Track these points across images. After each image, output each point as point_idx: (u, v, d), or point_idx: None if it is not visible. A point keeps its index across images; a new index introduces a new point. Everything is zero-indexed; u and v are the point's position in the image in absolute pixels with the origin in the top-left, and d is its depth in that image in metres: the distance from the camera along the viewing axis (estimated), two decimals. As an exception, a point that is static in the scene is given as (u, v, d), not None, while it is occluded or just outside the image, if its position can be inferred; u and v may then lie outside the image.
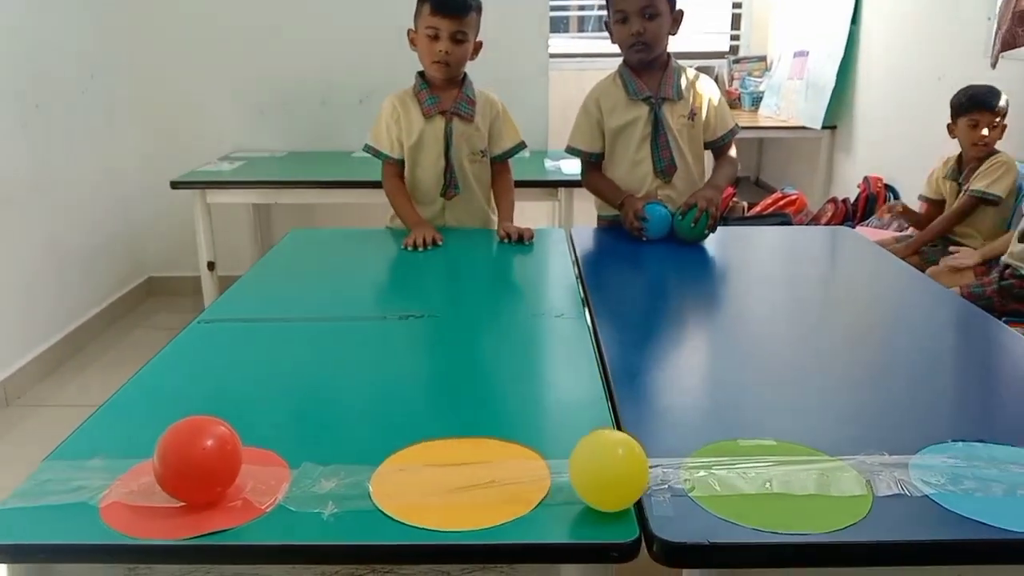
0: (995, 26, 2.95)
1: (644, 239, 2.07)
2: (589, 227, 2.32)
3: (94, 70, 3.47)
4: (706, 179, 2.22)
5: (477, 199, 2.30)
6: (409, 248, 2.06)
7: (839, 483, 0.98)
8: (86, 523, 0.93)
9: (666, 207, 2.08)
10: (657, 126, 2.16)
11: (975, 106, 2.86)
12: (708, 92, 2.22)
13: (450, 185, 2.23)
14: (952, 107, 2.93)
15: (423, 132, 2.20)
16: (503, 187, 2.33)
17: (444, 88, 2.20)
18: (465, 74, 2.23)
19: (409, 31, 2.18)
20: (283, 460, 1.04)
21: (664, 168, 2.17)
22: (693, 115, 2.19)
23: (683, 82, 2.18)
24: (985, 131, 2.84)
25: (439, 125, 2.20)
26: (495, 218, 2.33)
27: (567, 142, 2.30)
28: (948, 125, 2.96)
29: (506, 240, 2.12)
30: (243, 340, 1.51)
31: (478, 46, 2.19)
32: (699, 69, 2.35)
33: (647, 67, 2.17)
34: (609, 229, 2.26)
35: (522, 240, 2.12)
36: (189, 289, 3.68)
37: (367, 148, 2.27)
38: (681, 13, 2.13)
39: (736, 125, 2.28)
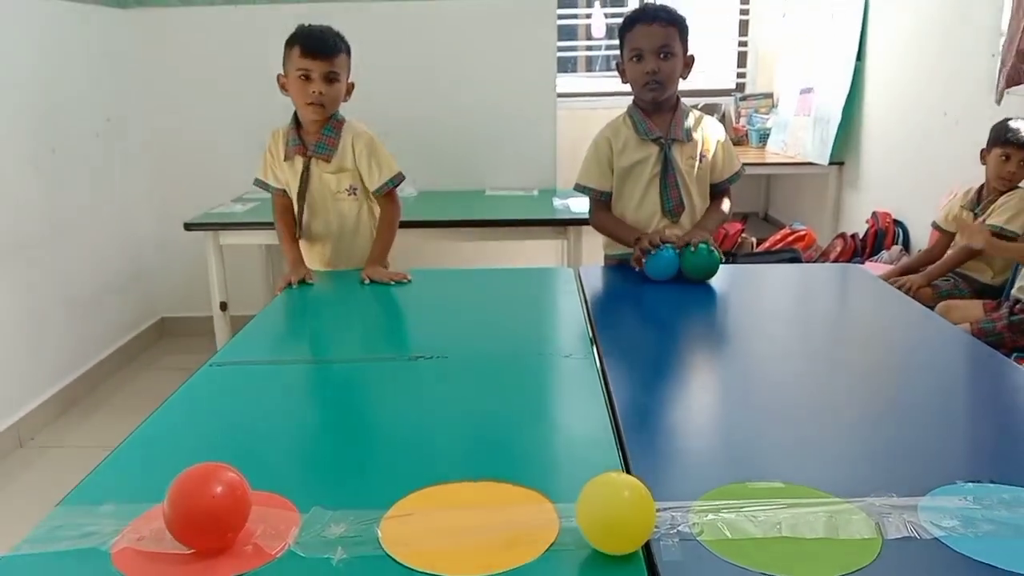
0: (999, 63, 2.97)
1: (636, 269, 2.07)
2: (598, 266, 2.34)
3: (109, 113, 3.54)
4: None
5: (355, 238, 2.32)
6: (279, 291, 2.12)
7: (848, 526, 0.97)
8: (97, 569, 0.94)
9: (673, 250, 2.06)
10: (666, 166, 2.18)
11: (1009, 141, 2.84)
12: (716, 134, 2.25)
13: (300, 227, 2.29)
14: (991, 133, 2.90)
15: (285, 170, 2.27)
16: (381, 223, 2.34)
17: (312, 130, 2.24)
18: (333, 117, 2.25)
19: (279, 76, 2.21)
20: (293, 505, 1.05)
21: (672, 208, 2.19)
22: (702, 157, 2.21)
23: (692, 123, 2.21)
24: (1014, 167, 2.83)
25: (297, 166, 2.25)
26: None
27: (576, 180, 2.31)
28: (982, 151, 2.95)
29: (366, 282, 2.13)
30: (254, 383, 1.52)
31: (350, 87, 2.23)
32: (705, 106, 2.39)
33: (657, 108, 2.19)
34: (617, 269, 2.27)
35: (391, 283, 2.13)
36: (202, 329, 3.71)
37: (256, 182, 2.35)
38: (692, 58, 2.16)
39: (741, 168, 2.30)
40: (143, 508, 1.04)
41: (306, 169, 2.24)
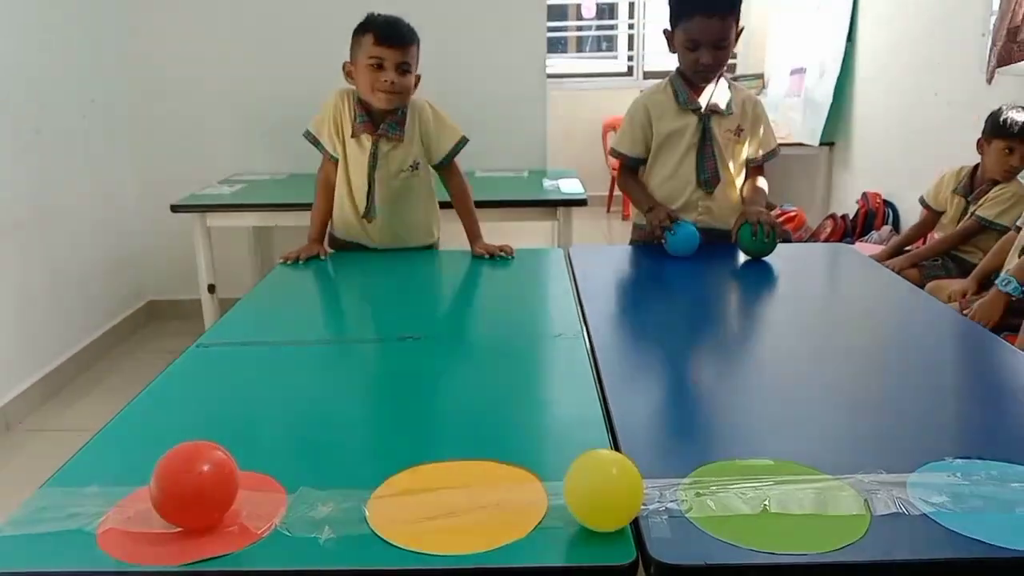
0: (989, 42, 2.96)
1: (662, 243, 2.10)
2: (587, 246, 2.33)
3: (94, 95, 3.50)
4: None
5: (410, 214, 2.28)
6: (288, 262, 2.13)
7: (837, 503, 0.97)
8: (82, 550, 0.93)
9: (694, 226, 2.09)
10: (704, 137, 2.17)
11: (1014, 134, 2.77)
12: (757, 109, 2.24)
13: (370, 208, 2.23)
14: (989, 124, 2.85)
15: (351, 145, 2.20)
16: (459, 198, 2.31)
17: (378, 114, 2.18)
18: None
19: (345, 64, 2.16)
20: (280, 485, 1.04)
21: (707, 179, 2.18)
22: (740, 131, 2.20)
23: (734, 97, 2.20)
24: (1017, 161, 2.80)
25: (365, 145, 2.19)
26: (436, 236, 2.34)
27: (612, 144, 2.33)
28: (979, 140, 2.89)
29: (486, 256, 2.14)
30: (241, 364, 1.51)
31: (417, 79, 2.18)
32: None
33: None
34: (608, 249, 2.27)
35: (503, 256, 2.13)
36: (190, 312, 3.69)
37: (306, 134, 2.26)
38: (742, 28, 2.13)
39: (778, 147, 2.30)
40: (128, 490, 1.03)
41: (375, 150, 2.19)
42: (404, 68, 2.10)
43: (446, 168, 2.29)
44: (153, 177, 3.75)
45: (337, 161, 2.23)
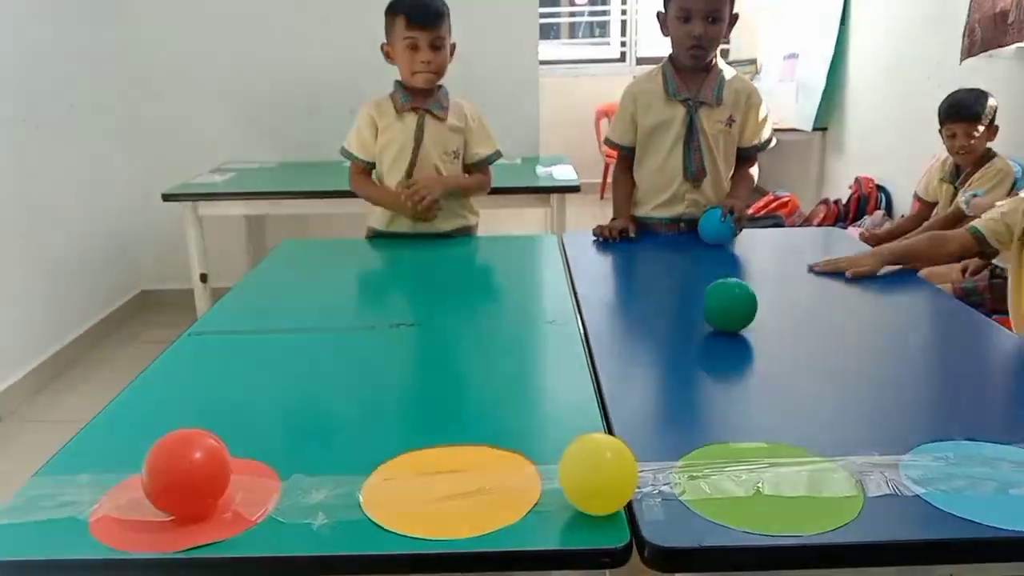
0: (964, 24, 2.95)
1: (598, 239, 2.13)
2: (581, 233, 2.32)
3: (84, 84, 3.47)
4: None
5: (451, 199, 2.29)
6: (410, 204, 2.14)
7: (830, 484, 0.98)
8: (75, 538, 0.93)
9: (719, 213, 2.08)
10: (691, 129, 2.14)
11: (948, 117, 2.86)
12: (751, 98, 2.20)
13: (411, 174, 2.23)
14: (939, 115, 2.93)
15: (395, 128, 2.22)
16: (474, 177, 2.35)
17: (421, 93, 2.22)
18: (441, 85, 2.25)
19: (383, 45, 2.19)
20: (273, 471, 1.04)
21: (694, 173, 2.16)
22: (732, 121, 2.17)
23: (726, 87, 2.16)
24: (962, 141, 2.83)
25: (411, 122, 2.21)
26: (473, 221, 2.37)
27: (605, 134, 2.33)
28: (939, 130, 2.95)
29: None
30: (233, 352, 1.51)
31: (452, 48, 2.21)
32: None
33: (693, 68, 2.14)
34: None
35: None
36: (182, 301, 3.67)
37: (342, 151, 2.30)
38: (736, 16, 2.12)
39: (772, 137, 2.27)
40: (121, 478, 1.03)
41: (421, 123, 2.21)
42: (438, 44, 2.14)
43: (477, 170, 2.34)
44: (144, 166, 3.73)
45: (372, 166, 2.27)
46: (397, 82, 2.24)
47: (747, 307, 1.49)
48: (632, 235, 2.14)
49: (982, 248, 1.85)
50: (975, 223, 1.91)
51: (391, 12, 2.14)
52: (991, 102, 2.80)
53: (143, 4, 3.63)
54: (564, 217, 3.17)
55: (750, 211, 4.24)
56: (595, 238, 2.15)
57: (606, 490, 0.91)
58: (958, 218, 2.90)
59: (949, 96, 2.89)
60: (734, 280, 1.52)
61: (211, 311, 1.73)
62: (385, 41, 2.18)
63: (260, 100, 3.72)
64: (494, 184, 3.20)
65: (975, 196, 2.68)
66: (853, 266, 1.82)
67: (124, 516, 0.96)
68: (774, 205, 4.21)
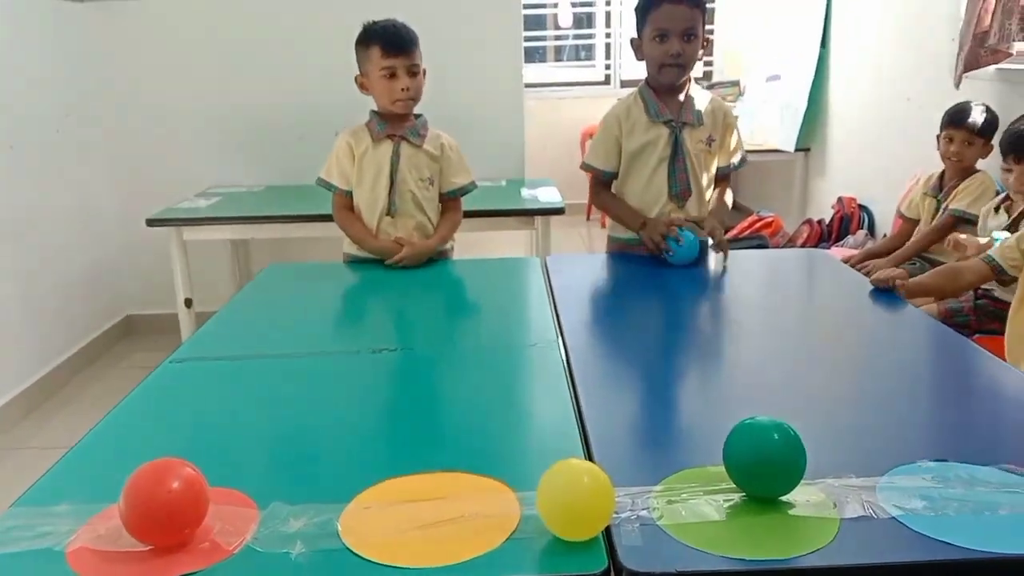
0: (957, 48, 3.00)
1: (667, 257, 2.10)
2: (564, 256, 2.34)
3: (69, 109, 3.48)
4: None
5: (424, 226, 2.31)
6: (396, 265, 2.15)
7: (806, 507, 0.98)
8: (52, 569, 0.92)
9: (695, 233, 2.09)
10: (676, 150, 2.16)
11: (951, 122, 2.92)
12: (727, 118, 2.25)
13: (392, 204, 2.25)
14: (943, 119, 2.98)
15: (371, 155, 2.24)
16: (446, 220, 2.35)
17: (398, 120, 2.24)
18: (420, 114, 2.29)
19: (357, 77, 2.21)
20: (252, 500, 1.03)
21: (679, 192, 2.18)
22: (712, 141, 2.20)
23: (704, 107, 2.20)
24: (957, 147, 2.88)
25: (387, 149, 2.23)
26: (449, 246, 2.38)
27: (584, 158, 2.33)
28: (937, 137, 3.00)
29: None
30: (214, 379, 1.50)
31: (424, 72, 2.24)
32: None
33: (670, 89, 2.17)
34: (585, 258, 2.27)
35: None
36: (168, 326, 3.66)
37: (319, 181, 2.32)
38: (709, 41, 2.14)
39: (745, 156, 2.31)
40: (99, 507, 1.02)
41: (396, 149, 2.24)
42: (414, 70, 2.18)
43: (449, 201, 2.36)
44: (130, 191, 3.73)
45: (350, 194, 2.28)
46: (373, 112, 2.26)
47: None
48: (677, 223, 2.12)
49: (998, 275, 1.89)
50: (991, 252, 1.95)
51: (363, 43, 2.17)
52: (994, 119, 2.85)
53: (128, 25, 3.64)
54: (549, 239, 3.18)
55: (734, 231, 4.28)
56: (647, 254, 2.14)
57: (583, 515, 0.91)
58: (946, 228, 2.93)
59: (958, 104, 2.94)
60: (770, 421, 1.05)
61: (193, 337, 1.73)
62: (359, 73, 2.20)
63: (246, 125, 3.72)
64: (479, 206, 3.23)
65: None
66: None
67: (102, 547, 0.96)
68: (758, 225, 4.24)
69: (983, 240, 2.57)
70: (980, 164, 2.93)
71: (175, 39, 3.65)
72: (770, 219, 4.27)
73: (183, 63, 3.67)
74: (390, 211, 2.25)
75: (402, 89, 2.15)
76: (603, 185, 2.29)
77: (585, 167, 2.32)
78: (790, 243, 4.14)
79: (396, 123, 2.24)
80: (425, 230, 2.31)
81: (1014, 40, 2.69)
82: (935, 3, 3.32)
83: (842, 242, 3.84)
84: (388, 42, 2.12)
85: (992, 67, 2.92)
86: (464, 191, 2.36)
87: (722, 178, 2.28)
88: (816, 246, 3.85)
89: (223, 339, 1.73)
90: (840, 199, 4.05)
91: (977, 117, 2.86)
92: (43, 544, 0.97)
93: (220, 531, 0.97)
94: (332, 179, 2.29)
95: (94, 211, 3.66)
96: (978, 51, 2.87)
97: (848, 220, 3.94)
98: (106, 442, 1.25)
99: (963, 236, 2.65)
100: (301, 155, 3.70)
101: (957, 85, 3.00)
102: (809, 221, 4.18)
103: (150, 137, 3.73)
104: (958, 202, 2.89)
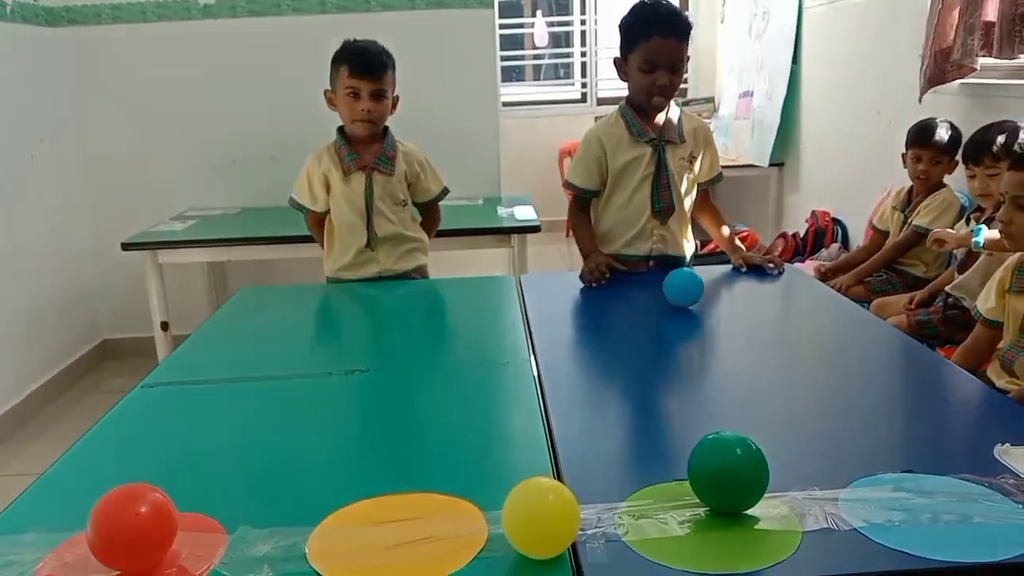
0: (920, 63, 3.06)
1: (593, 286, 2.09)
2: (539, 275, 2.36)
3: (43, 134, 3.47)
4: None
5: (405, 241, 2.36)
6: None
7: (769, 520, 0.99)
8: (17, 599, 0.92)
9: (692, 272, 1.94)
10: (660, 167, 2.18)
11: (915, 141, 2.95)
12: (705, 135, 2.29)
13: (371, 237, 2.29)
14: (908, 136, 3.00)
15: (343, 190, 2.26)
16: (427, 223, 2.47)
17: (364, 143, 2.26)
18: (386, 128, 2.30)
19: (326, 92, 2.25)
20: (220, 525, 1.03)
21: (662, 209, 2.20)
22: (693, 158, 2.23)
23: (684, 124, 2.22)
24: (924, 166, 2.92)
25: (359, 184, 2.26)
26: (425, 261, 2.43)
27: (566, 176, 2.35)
28: (902, 155, 3.03)
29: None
30: (186, 404, 1.50)
31: (395, 100, 2.27)
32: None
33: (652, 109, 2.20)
34: (559, 276, 2.29)
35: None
36: (145, 350, 3.64)
37: (291, 202, 2.36)
38: (688, 57, 2.17)
39: (721, 171, 2.35)
40: (67, 535, 1.02)
41: (369, 183, 2.26)
42: (379, 95, 2.19)
43: (429, 207, 2.45)
44: (105, 215, 3.72)
45: (326, 213, 2.32)
46: (339, 129, 2.28)
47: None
48: (619, 266, 2.15)
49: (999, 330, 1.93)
50: (980, 309, 1.97)
51: (336, 60, 2.21)
52: (958, 135, 2.88)
53: (102, 51, 3.64)
54: (525, 257, 3.20)
55: (710, 246, 4.31)
56: (584, 285, 2.11)
57: (547, 533, 0.92)
58: (909, 243, 2.98)
59: (921, 122, 2.97)
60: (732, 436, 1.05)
61: (164, 362, 1.73)
62: (329, 87, 2.24)
63: (221, 147, 3.73)
64: (454, 225, 3.25)
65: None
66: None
67: (69, 574, 0.95)
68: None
69: (962, 231, 2.61)
70: (946, 178, 2.97)
71: (148, 64, 3.66)
72: (745, 233, 4.31)
73: (156, 88, 3.68)
74: (370, 244, 2.29)
75: (362, 110, 2.18)
76: (581, 203, 2.31)
77: (567, 185, 2.35)
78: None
79: (363, 149, 2.26)
80: (407, 242, 2.36)
81: (977, 55, 2.74)
82: (904, 18, 3.37)
83: (817, 255, 3.88)
84: (356, 63, 2.16)
85: (956, 82, 2.98)
86: (439, 197, 2.43)
87: (703, 193, 2.32)
88: (791, 260, 3.89)
89: (195, 364, 1.73)
90: (814, 213, 4.10)
91: (943, 135, 2.89)
92: (10, 574, 0.96)
93: (188, 556, 0.97)
94: (304, 202, 2.32)
95: (69, 235, 3.64)
96: (944, 66, 2.92)
97: (823, 233, 3.98)
98: (75, 469, 1.25)
99: (942, 231, 2.68)
100: (275, 177, 3.70)
101: (920, 99, 3.05)
102: (784, 235, 4.23)
103: (125, 162, 3.73)
104: (921, 218, 2.94)
